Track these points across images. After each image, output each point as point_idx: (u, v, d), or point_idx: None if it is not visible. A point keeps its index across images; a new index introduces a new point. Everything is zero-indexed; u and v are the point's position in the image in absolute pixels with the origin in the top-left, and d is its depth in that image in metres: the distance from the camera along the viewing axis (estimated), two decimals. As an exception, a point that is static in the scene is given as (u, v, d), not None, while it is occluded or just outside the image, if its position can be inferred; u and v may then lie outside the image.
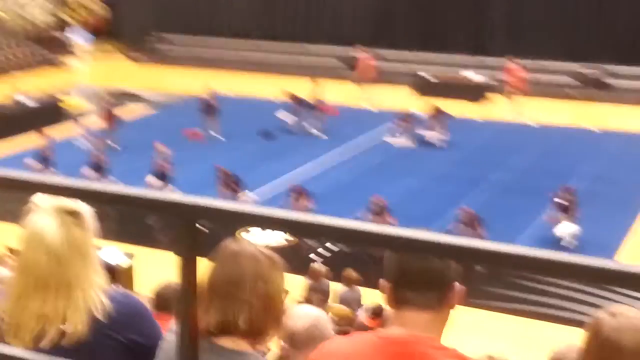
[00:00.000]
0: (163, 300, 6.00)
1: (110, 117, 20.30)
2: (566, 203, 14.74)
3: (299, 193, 15.25)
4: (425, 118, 20.70)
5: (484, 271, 12.61)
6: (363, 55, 24.26)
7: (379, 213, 14.06)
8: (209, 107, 20.38)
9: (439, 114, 20.50)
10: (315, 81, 22.00)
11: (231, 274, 2.18)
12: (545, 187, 16.65)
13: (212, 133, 20.33)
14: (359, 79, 23.92)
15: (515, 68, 22.59)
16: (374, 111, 22.73)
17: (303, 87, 22.10)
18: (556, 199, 14.88)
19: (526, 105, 21.80)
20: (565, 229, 14.71)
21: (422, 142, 20.06)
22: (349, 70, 25.32)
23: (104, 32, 34.07)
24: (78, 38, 32.71)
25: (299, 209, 14.67)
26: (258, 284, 2.18)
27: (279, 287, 2.24)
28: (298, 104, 21.32)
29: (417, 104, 22.58)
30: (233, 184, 15.84)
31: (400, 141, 20.26)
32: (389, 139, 20.34)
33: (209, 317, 2.15)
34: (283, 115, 21.16)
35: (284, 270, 2.29)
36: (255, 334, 2.20)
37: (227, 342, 2.16)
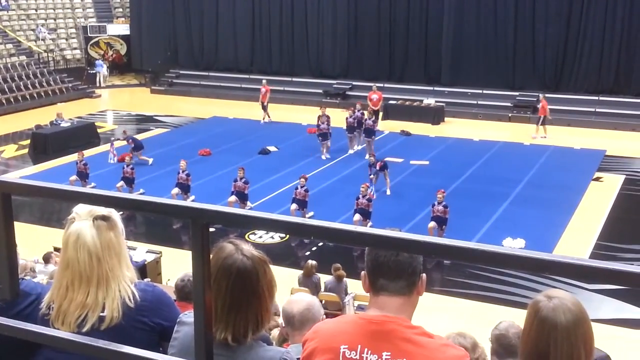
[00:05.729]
0: (181, 291, 5.96)
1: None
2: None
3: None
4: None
5: (445, 264, 12.63)
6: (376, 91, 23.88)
7: None
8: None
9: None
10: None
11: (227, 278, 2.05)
12: (491, 191, 16.74)
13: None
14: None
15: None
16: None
17: (290, 114, 22.11)
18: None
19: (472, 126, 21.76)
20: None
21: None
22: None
23: (125, 67, 33.97)
24: (104, 71, 32.59)
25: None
26: (252, 281, 2.07)
27: (270, 280, 2.13)
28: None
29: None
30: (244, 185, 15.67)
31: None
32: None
33: (220, 331, 2.04)
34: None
35: (271, 265, 2.16)
36: (258, 325, 2.11)
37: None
